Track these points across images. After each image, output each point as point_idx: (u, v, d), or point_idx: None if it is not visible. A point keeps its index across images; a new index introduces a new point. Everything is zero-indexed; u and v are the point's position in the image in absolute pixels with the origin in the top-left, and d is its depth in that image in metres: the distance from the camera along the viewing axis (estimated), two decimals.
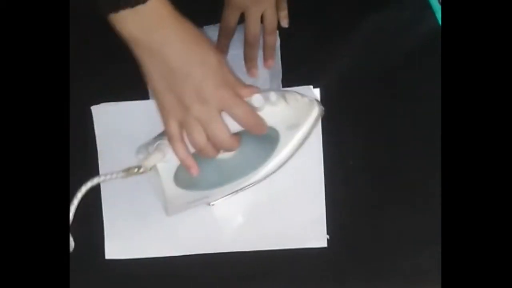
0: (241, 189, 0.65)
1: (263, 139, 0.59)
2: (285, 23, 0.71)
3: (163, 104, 0.54)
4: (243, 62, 0.70)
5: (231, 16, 0.69)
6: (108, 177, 0.57)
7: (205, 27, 0.72)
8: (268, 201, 0.67)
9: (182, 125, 0.54)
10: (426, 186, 0.65)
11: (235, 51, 0.71)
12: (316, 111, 0.61)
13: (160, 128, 0.68)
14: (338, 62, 0.69)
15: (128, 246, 0.67)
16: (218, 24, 0.71)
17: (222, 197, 0.66)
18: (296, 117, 0.60)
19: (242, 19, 0.70)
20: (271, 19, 0.69)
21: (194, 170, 0.55)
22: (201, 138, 0.53)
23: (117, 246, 0.67)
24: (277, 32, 0.71)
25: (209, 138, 0.54)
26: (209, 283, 0.66)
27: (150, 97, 0.70)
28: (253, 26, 0.69)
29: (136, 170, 0.56)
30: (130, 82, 0.68)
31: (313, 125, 0.62)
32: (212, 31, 0.71)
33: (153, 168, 0.56)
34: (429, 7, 0.70)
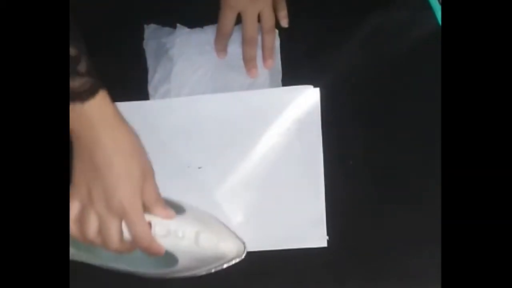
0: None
1: (163, 256, 0.59)
2: (284, 23, 0.72)
3: (74, 183, 0.55)
4: (242, 62, 0.70)
5: (228, 17, 0.69)
6: None
7: (205, 27, 0.72)
8: (268, 201, 0.67)
9: (82, 208, 0.55)
10: (426, 186, 0.65)
11: (235, 51, 0.71)
12: (232, 257, 0.61)
13: (160, 128, 0.69)
14: (338, 62, 0.69)
15: None
16: (216, 25, 0.71)
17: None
18: (203, 255, 0.60)
19: (240, 19, 0.70)
20: (268, 18, 0.69)
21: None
22: (91, 230, 0.55)
23: None
24: (277, 32, 0.71)
25: (99, 233, 0.55)
26: (209, 283, 0.66)
27: (150, 97, 0.71)
28: (250, 26, 0.69)
29: None
30: (130, 82, 0.68)
31: (226, 265, 0.62)
32: (211, 31, 0.71)
33: None
34: (429, 7, 0.71)
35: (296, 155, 0.66)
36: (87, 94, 0.52)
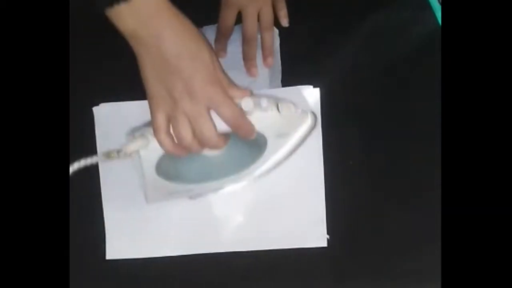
0: (224, 188, 0.64)
1: (251, 143, 0.58)
2: (285, 23, 0.72)
3: (152, 94, 0.54)
4: (242, 61, 0.70)
5: (228, 15, 0.69)
6: (89, 161, 0.57)
7: (204, 27, 0.72)
8: (268, 201, 0.67)
9: (169, 118, 0.54)
10: (426, 186, 0.65)
11: (235, 51, 0.71)
12: (308, 123, 0.61)
13: None
14: (338, 62, 0.69)
15: (128, 246, 0.67)
16: (216, 25, 0.71)
17: (205, 193, 0.65)
18: (287, 126, 0.60)
19: (240, 18, 0.70)
20: (267, 16, 0.69)
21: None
22: (187, 134, 0.53)
23: (118, 246, 0.67)
24: (277, 31, 0.71)
25: (195, 134, 0.54)
26: (209, 283, 0.66)
27: None
28: (250, 24, 0.69)
29: (116, 153, 0.56)
30: (130, 82, 0.68)
31: (304, 137, 0.62)
32: (211, 31, 0.71)
33: (136, 154, 0.56)
34: (429, 7, 0.70)
35: (296, 155, 0.66)
36: None
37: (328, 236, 0.65)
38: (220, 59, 0.70)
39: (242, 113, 0.55)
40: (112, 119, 0.68)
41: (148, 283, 0.67)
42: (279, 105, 0.57)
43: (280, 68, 0.70)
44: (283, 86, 0.69)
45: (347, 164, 0.67)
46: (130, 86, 0.66)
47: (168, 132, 0.54)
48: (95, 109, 0.68)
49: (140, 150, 0.56)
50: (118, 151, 0.56)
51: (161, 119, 0.54)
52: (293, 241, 0.65)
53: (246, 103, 0.55)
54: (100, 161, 0.56)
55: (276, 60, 0.71)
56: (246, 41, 0.70)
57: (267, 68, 0.70)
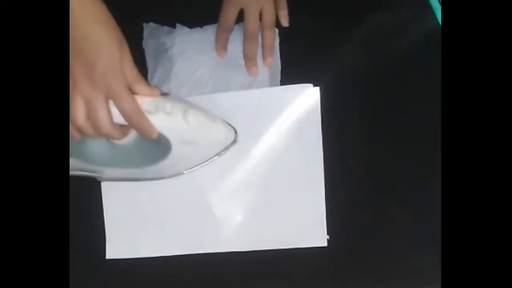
0: (137, 179, 0.64)
1: (156, 143, 0.58)
2: (285, 23, 0.72)
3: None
4: (242, 61, 0.70)
5: (229, 13, 0.69)
6: None
7: (205, 27, 0.72)
8: (268, 200, 0.67)
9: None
10: (426, 186, 0.64)
11: (235, 50, 0.71)
12: (223, 137, 0.61)
13: None
14: (338, 61, 0.69)
15: (128, 246, 0.67)
16: (216, 24, 0.71)
17: (117, 180, 0.65)
18: (195, 135, 0.59)
19: (240, 18, 0.70)
20: (269, 15, 0.69)
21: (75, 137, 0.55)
22: (78, 116, 0.53)
23: (118, 246, 0.67)
24: (277, 30, 0.71)
25: (88, 119, 0.53)
26: (209, 283, 0.66)
27: None
28: (252, 23, 0.69)
29: None
30: None
31: (220, 151, 0.62)
32: (211, 30, 0.71)
33: None
34: (429, 7, 0.70)
35: (296, 155, 0.66)
36: None
37: (328, 236, 0.65)
38: (220, 59, 0.71)
39: (141, 111, 0.54)
40: None
41: (148, 283, 0.67)
42: (186, 112, 0.57)
43: (279, 67, 0.70)
44: (283, 84, 0.69)
45: (347, 164, 0.67)
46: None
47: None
48: None
49: None
50: None
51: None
52: (293, 241, 0.65)
53: (147, 104, 0.55)
54: None
55: (276, 59, 0.71)
56: (246, 40, 0.69)
57: (267, 68, 0.70)
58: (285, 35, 0.71)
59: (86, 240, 0.67)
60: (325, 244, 0.65)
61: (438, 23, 0.70)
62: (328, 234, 0.65)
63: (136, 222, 0.68)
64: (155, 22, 0.73)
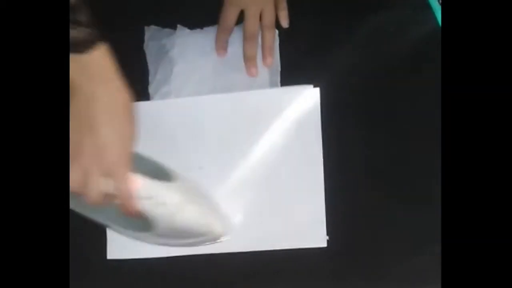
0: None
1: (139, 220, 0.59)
2: (285, 23, 0.72)
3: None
4: (242, 62, 0.70)
5: (230, 14, 0.69)
6: None
7: (205, 28, 0.72)
8: (268, 201, 0.67)
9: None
10: (426, 186, 0.65)
11: (235, 51, 0.71)
12: (215, 236, 0.62)
13: (161, 129, 0.69)
14: (338, 62, 0.69)
15: (129, 246, 0.67)
16: (216, 26, 0.71)
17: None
18: (182, 227, 0.60)
19: (241, 18, 0.70)
20: (270, 17, 0.69)
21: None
22: (73, 186, 0.54)
23: (119, 246, 0.67)
24: (277, 31, 0.71)
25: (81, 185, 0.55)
26: (209, 283, 0.66)
27: (151, 98, 0.71)
28: (252, 24, 0.69)
29: None
30: (130, 83, 0.68)
31: (208, 243, 0.63)
32: (212, 32, 0.71)
33: None
34: (429, 7, 0.70)
35: (296, 155, 0.66)
36: (87, 45, 0.51)
37: (328, 237, 0.65)
38: (220, 61, 0.71)
39: (132, 196, 0.57)
40: None
41: (148, 283, 0.67)
42: (180, 210, 0.59)
43: (279, 68, 0.70)
44: (283, 85, 0.69)
45: (347, 164, 0.67)
46: (130, 86, 0.66)
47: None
48: None
49: None
50: None
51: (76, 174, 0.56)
52: (293, 241, 0.65)
53: (144, 191, 0.57)
54: None
55: (276, 60, 0.71)
56: (246, 40, 0.70)
57: (267, 69, 0.70)
58: (285, 35, 0.71)
59: (87, 240, 0.67)
60: (325, 244, 0.65)
61: (438, 23, 0.70)
62: (328, 234, 0.65)
63: None
64: (156, 24, 0.73)
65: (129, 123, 0.56)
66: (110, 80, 0.54)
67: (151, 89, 0.71)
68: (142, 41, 0.73)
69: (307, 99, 0.66)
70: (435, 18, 0.70)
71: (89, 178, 0.55)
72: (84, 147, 0.54)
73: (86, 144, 0.54)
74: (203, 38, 0.72)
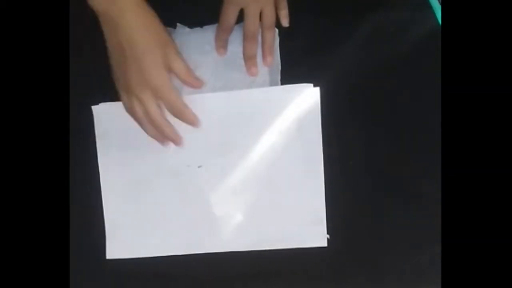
0: None
1: None
2: (285, 23, 0.72)
3: (116, 76, 0.62)
4: (242, 61, 0.70)
5: (230, 12, 0.69)
6: None
7: (205, 27, 0.72)
8: (268, 200, 0.67)
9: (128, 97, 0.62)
10: (426, 186, 0.65)
11: (235, 51, 0.71)
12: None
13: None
14: (338, 61, 0.69)
15: (129, 245, 0.67)
16: (216, 24, 0.71)
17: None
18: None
19: (241, 17, 0.70)
20: (270, 16, 0.69)
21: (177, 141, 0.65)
22: (137, 111, 0.62)
23: (118, 246, 0.67)
24: (277, 30, 0.71)
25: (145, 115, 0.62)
26: (209, 283, 0.66)
27: None
28: (252, 23, 0.69)
29: None
30: None
31: None
32: (212, 30, 0.71)
33: None
34: (429, 7, 0.70)
35: (296, 155, 0.66)
36: None
37: (328, 236, 0.65)
38: (220, 59, 0.71)
39: (183, 106, 0.63)
40: (112, 118, 0.68)
41: (148, 283, 0.67)
42: None
43: (279, 67, 0.70)
44: (283, 84, 0.69)
45: (347, 164, 0.67)
46: None
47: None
48: (94, 109, 0.68)
49: None
50: None
51: (123, 97, 0.62)
52: (293, 241, 0.65)
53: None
54: None
55: (276, 59, 0.71)
56: (246, 40, 0.69)
57: (267, 68, 0.70)
58: (285, 35, 0.71)
59: (86, 240, 0.67)
60: (325, 244, 0.65)
61: (438, 23, 0.70)
62: (328, 234, 0.65)
63: (136, 222, 0.68)
64: None
65: (158, 39, 0.61)
66: (136, 4, 0.59)
67: None
68: None
69: (307, 98, 0.66)
70: (435, 18, 0.70)
71: (145, 102, 0.60)
72: (128, 76, 0.59)
73: (127, 70, 0.59)
74: (203, 36, 0.72)
